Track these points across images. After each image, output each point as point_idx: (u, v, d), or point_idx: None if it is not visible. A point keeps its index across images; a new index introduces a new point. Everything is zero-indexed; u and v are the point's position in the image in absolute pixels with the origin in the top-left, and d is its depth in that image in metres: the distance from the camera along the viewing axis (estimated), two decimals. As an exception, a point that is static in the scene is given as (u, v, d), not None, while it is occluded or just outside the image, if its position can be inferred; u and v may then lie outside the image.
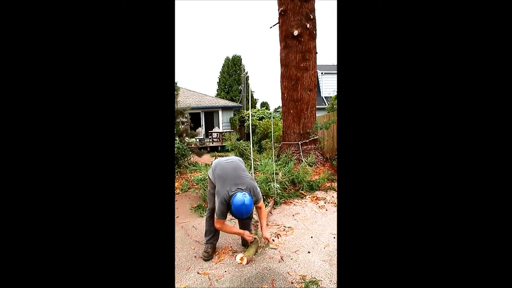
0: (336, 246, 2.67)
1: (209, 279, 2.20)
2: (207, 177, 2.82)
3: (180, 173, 6.11)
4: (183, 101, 13.84)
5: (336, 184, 4.88)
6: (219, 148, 12.48)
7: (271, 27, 6.74)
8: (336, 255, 2.50)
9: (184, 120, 7.90)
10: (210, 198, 2.59)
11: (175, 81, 7.48)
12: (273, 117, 14.39)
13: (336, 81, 17.44)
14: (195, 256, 2.57)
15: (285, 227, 3.22)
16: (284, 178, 4.47)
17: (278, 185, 4.15)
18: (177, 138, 7.00)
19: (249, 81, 25.38)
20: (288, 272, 2.25)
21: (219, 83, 26.22)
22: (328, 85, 17.67)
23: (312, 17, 5.93)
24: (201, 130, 14.97)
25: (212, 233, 2.61)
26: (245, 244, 2.65)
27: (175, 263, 2.44)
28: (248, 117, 14.92)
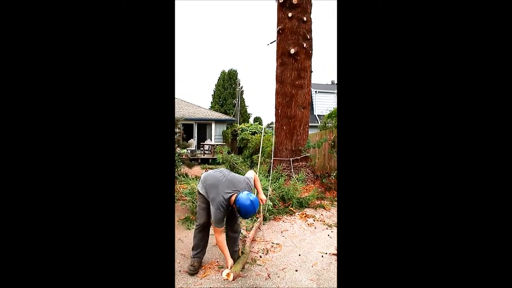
0: (324, 266, 2.64)
1: (193, 294, 2.13)
2: (196, 191, 2.76)
3: (169, 184, 6.00)
4: (177, 111, 13.81)
5: (325, 202, 4.88)
6: (210, 160, 12.38)
7: (268, 44, 6.88)
8: (323, 275, 2.47)
9: (177, 130, 7.87)
10: (200, 213, 2.54)
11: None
12: (266, 133, 14.44)
13: (329, 100, 17.68)
14: (179, 270, 2.50)
15: (273, 243, 3.18)
16: (274, 194, 4.45)
17: (269, 201, 4.12)
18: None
19: (244, 96, 25.59)
20: (274, 291, 2.20)
21: (213, 96, 26.34)
22: (322, 104, 17.94)
23: (309, 37, 6.09)
24: (193, 142, 14.88)
25: (200, 248, 2.55)
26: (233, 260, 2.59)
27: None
28: (241, 131, 14.95)
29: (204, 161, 12.54)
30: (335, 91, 18.05)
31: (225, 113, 23.06)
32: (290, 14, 5.88)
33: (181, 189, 5.16)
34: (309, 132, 6.76)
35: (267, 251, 2.97)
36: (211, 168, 5.66)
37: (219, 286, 2.25)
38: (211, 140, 15.62)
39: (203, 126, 16.58)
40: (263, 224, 3.80)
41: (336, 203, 4.93)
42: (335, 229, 3.66)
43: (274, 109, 6.52)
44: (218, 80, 26.60)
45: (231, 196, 2.28)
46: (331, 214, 4.32)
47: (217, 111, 21.26)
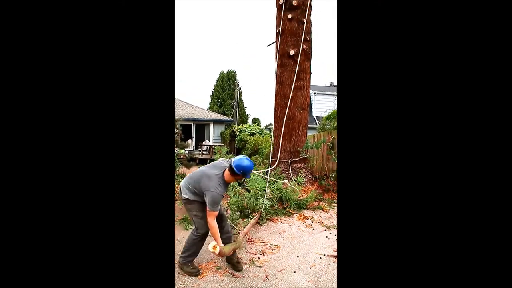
0: (322, 267, 2.63)
1: (191, 295, 2.12)
2: (182, 204, 2.75)
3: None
4: (175, 111, 13.75)
5: (323, 203, 4.88)
6: (208, 161, 12.37)
7: (268, 45, 6.88)
8: (321, 277, 2.46)
9: (175, 130, 7.85)
10: (200, 223, 2.47)
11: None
12: (264, 134, 14.44)
13: (328, 102, 17.70)
14: (178, 272, 2.49)
15: (271, 244, 3.17)
16: (272, 195, 4.44)
17: (267, 202, 4.11)
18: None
19: (242, 97, 25.61)
20: (272, 292, 2.19)
21: (212, 97, 26.33)
22: (320, 105, 17.96)
23: (308, 38, 6.10)
24: (191, 142, 14.86)
25: (196, 255, 2.55)
26: (230, 260, 2.58)
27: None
28: (240, 131, 14.95)
29: (202, 162, 12.52)
30: (334, 93, 18.09)
31: (224, 114, 23.07)
32: (290, 16, 5.89)
33: (179, 189, 5.14)
34: (308, 134, 6.76)
35: (265, 252, 2.96)
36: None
37: (216, 287, 2.24)
38: (209, 140, 15.61)
39: (202, 126, 16.57)
40: (260, 225, 3.79)
41: (334, 204, 4.93)
42: (333, 231, 3.66)
43: (274, 110, 6.52)
44: (217, 80, 26.61)
45: (223, 174, 2.42)
46: (329, 216, 4.32)
47: (216, 112, 21.25)
